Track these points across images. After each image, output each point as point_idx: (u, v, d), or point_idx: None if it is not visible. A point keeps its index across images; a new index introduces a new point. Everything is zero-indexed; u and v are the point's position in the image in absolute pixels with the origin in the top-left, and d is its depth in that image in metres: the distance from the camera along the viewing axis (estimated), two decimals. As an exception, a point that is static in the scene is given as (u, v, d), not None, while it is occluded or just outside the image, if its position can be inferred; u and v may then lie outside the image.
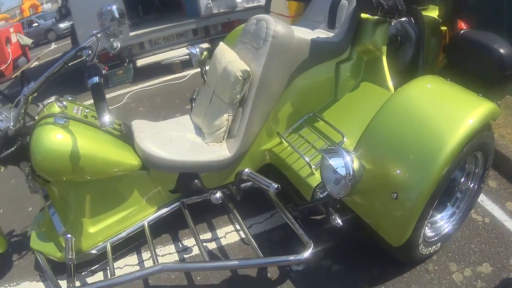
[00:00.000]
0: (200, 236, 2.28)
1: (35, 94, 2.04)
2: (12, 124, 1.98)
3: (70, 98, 2.32)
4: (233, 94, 2.09)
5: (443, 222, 2.09)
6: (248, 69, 2.05)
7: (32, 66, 4.98)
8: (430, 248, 1.99)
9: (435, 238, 2.02)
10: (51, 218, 2.22)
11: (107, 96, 1.89)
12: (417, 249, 1.89)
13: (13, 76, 4.61)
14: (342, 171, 1.60)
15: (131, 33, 6.00)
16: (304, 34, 2.18)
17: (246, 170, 1.99)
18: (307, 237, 1.95)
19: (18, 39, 5.11)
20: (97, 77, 1.76)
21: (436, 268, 2.02)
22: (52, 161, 1.95)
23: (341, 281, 2.00)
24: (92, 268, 2.37)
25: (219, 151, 2.16)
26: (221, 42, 2.47)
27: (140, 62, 6.05)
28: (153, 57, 6.17)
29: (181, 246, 2.41)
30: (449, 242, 2.13)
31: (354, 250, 2.12)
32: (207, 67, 2.70)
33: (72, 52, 2.09)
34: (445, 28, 2.33)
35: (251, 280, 2.07)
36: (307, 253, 1.88)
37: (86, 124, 2.12)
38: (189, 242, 2.45)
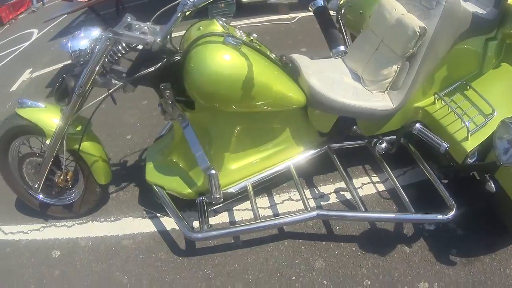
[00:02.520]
0: (337, 185, 2.33)
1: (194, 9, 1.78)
2: (160, 38, 1.83)
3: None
4: (407, 47, 2.07)
5: None
6: (425, 26, 2.03)
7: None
8: None
9: None
10: (181, 150, 2.20)
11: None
12: None
13: None
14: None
15: None
16: (466, 5, 2.18)
17: (418, 125, 2.01)
18: (451, 199, 1.99)
19: None
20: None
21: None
22: (218, 85, 1.82)
23: (465, 245, 2.02)
24: (215, 208, 2.35)
25: (383, 101, 2.14)
26: None
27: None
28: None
29: (317, 192, 2.38)
30: None
31: (478, 219, 2.12)
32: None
33: None
34: None
35: (388, 233, 2.10)
36: (451, 214, 1.93)
37: (256, 50, 2.02)
38: (325, 189, 2.44)
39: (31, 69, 6.11)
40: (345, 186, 2.29)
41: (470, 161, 1.97)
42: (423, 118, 2.22)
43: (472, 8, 2.19)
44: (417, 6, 2.16)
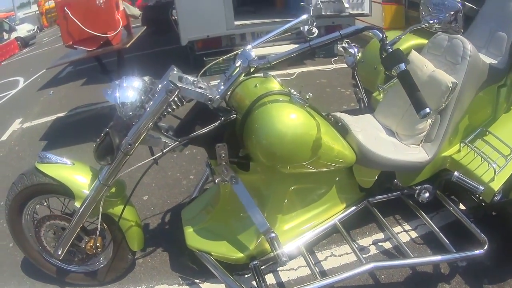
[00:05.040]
0: (375, 236, 2.38)
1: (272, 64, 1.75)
2: (219, 95, 1.76)
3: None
4: (441, 101, 2.17)
5: None
6: (456, 81, 2.15)
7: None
8: None
9: None
10: (226, 213, 2.13)
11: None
12: None
13: (127, 45, 4.28)
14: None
15: (236, 22, 5.95)
16: (482, 56, 2.36)
17: (456, 173, 2.09)
18: (482, 234, 2.07)
19: (124, 8, 4.61)
20: (403, 63, 1.57)
21: None
22: (286, 145, 1.75)
23: (494, 274, 2.12)
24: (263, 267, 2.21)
25: (420, 153, 2.21)
26: (412, 50, 2.49)
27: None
28: (254, 50, 6.03)
29: (356, 246, 2.32)
30: None
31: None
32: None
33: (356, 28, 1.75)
34: None
35: (429, 275, 2.16)
36: (485, 248, 2.02)
37: (313, 109, 1.98)
38: (364, 242, 2.44)
39: (21, 119, 5.92)
40: (382, 237, 2.41)
41: (496, 199, 2.09)
42: (451, 165, 2.31)
43: (486, 59, 2.37)
44: (443, 62, 2.30)
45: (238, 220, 2.10)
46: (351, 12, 5.93)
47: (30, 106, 6.55)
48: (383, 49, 1.61)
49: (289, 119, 1.76)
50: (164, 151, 1.82)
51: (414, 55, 2.40)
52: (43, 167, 1.98)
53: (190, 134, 1.84)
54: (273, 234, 1.90)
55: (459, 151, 2.31)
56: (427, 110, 1.52)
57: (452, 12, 2.01)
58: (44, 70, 8.56)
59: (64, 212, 2.15)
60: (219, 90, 1.81)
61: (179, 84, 1.71)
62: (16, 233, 2.19)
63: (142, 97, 1.79)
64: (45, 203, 2.19)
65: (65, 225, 2.05)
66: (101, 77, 6.68)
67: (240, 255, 2.05)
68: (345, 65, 6.01)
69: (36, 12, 25.01)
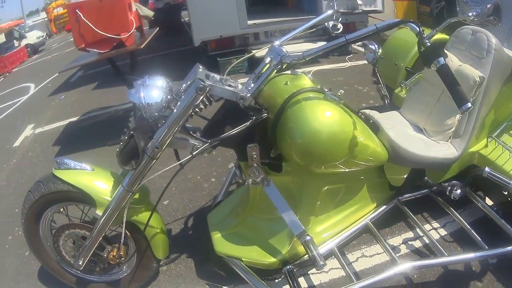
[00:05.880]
0: (404, 235, 2.36)
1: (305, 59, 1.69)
2: (250, 93, 1.67)
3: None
4: (469, 96, 2.11)
5: None
6: (483, 75, 2.12)
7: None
8: None
9: None
10: (255, 217, 2.08)
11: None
12: None
13: (141, 46, 4.19)
14: None
15: (249, 22, 5.90)
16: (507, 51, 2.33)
17: (487, 169, 2.04)
18: None
19: (137, 9, 4.52)
20: (442, 57, 1.52)
21: None
22: (322, 144, 1.67)
23: None
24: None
25: (449, 149, 2.20)
26: None
27: (259, 53, 5.84)
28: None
29: (388, 245, 2.24)
30: None
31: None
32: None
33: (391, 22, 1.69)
34: None
35: (461, 273, 2.12)
36: None
37: (347, 106, 1.94)
38: (394, 241, 2.38)
39: (33, 124, 5.87)
40: (412, 236, 2.38)
41: None
42: (479, 161, 2.30)
43: (509, 53, 2.34)
44: (468, 56, 2.28)
45: (269, 223, 2.04)
46: (364, 9, 5.93)
47: (42, 112, 6.51)
48: (421, 43, 1.56)
49: (325, 117, 1.69)
50: (193, 153, 1.72)
51: None
52: (61, 174, 1.88)
53: (220, 135, 1.74)
54: (308, 237, 1.83)
55: (486, 146, 2.30)
56: (469, 104, 1.49)
57: (489, 5, 1.94)
58: (55, 75, 8.57)
59: (84, 220, 2.05)
60: (249, 88, 1.72)
61: (209, 82, 1.62)
62: (33, 243, 2.09)
63: (168, 97, 1.70)
64: (64, 211, 2.08)
65: (85, 234, 1.95)
66: (112, 80, 6.71)
67: (273, 259, 1.97)
68: (359, 63, 5.95)
69: (45, 19, 25.35)
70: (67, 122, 5.55)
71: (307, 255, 1.89)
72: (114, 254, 1.93)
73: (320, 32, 5.95)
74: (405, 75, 2.90)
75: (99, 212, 1.82)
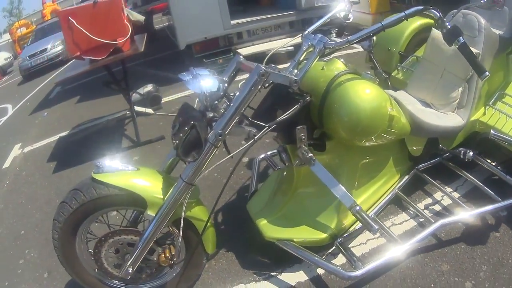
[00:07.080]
0: (424, 201, 2.53)
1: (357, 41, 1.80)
2: (298, 78, 1.75)
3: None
4: (468, 71, 2.39)
5: None
6: (479, 51, 2.35)
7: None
8: None
9: None
10: (299, 197, 2.17)
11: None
12: None
13: (141, 50, 4.10)
14: None
15: (232, 21, 5.93)
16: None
17: (492, 131, 2.28)
18: None
19: (127, 14, 4.43)
20: (461, 36, 1.73)
21: None
22: (365, 119, 1.88)
23: None
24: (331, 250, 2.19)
25: (456, 118, 2.45)
26: (433, 29, 2.67)
27: (243, 52, 5.90)
28: (252, 47, 6.08)
29: (416, 210, 2.40)
30: None
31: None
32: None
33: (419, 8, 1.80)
34: None
35: (479, 227, 2.26)
36: None
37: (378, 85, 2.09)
38: (420, 206, 2.50)
39: (21, 143, 5.68)
40: (431, 201, 2.54)
41: None
42: (480, 127, 2.53)
43: (495, 30, 2.58)
44: None
45: (315, 201, 2.17)
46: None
47: (26, 130, 6.29)
48: (442, 26, 1.75)
49: (366, 94, 1.92)
50: (255, 138, 1.76)
51: (435, 33, 2.57)
52: (103, 177, 1.79)
53: (271, 120, 1.80)
54: (358, 207, 1.92)
55: (484, 113, 2.54)
56: (487, 73, 1.76)
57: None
58: (32, 93, 8.32)
59: (125, 226, 1.98)
60: (294, 74, 1.81)
61: (268, 68, 1.70)
62: (69, 260, 1.93)
63: (226, 85, 1.78)
64: (101, 220, 1.97)
65: (133, 239, 1.86)
66: (96, 93, 6.52)
67: (324, 235, 2.07)
68: (351, 51, 5.96)
69: (9, 41, 24.44)
70: (58, 137, 5.39)
71: (353, 227, 2.13)
72: (167, 255, 1.86)
73: (300, 27, 6.09)
74: (399, 59, 3.04)
75: (150, 212, 1.76)
